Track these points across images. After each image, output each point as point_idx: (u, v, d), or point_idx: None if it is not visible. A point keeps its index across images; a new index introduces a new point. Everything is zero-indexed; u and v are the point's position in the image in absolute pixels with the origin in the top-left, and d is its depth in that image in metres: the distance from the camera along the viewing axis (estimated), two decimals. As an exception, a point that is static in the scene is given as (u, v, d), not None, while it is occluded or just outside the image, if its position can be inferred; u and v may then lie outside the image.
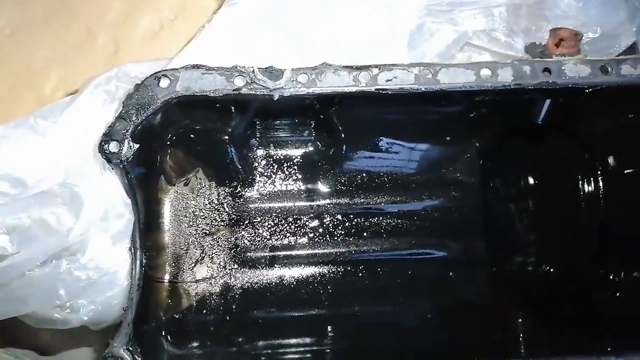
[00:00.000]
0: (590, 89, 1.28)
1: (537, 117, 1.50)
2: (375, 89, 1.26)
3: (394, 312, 1.57)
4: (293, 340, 1.49)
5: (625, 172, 1.59)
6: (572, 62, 1.29)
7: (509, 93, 1.30)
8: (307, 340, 1.50)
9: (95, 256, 1.33)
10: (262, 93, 1.24)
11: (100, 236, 1.32)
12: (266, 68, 1.24)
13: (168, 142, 1.42)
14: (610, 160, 1.62)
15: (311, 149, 1.55)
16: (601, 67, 1.27)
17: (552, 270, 1.66)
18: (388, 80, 1.26)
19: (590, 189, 1.66)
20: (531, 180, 1.69)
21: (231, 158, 1.51)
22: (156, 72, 1.22)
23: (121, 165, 1.24)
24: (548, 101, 1.44)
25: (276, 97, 1.25)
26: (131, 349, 1.21)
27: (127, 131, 1.22)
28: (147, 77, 1.21)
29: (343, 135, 1.50)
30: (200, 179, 1.52)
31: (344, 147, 1.52)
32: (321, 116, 1.45)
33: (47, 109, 1.28)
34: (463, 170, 1.61)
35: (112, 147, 1.22)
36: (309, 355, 1.49)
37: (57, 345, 1.84)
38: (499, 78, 1.27)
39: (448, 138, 1.58)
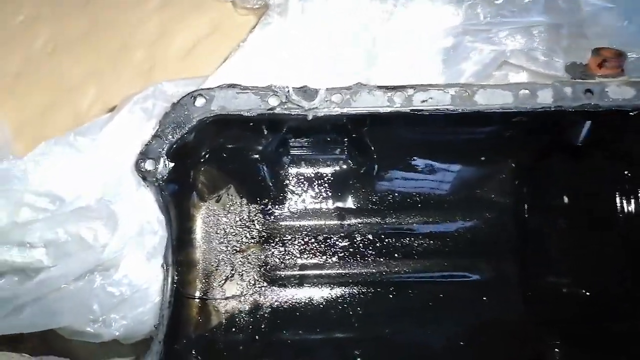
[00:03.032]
0: (635, 112, 1.24)
1: (577, 138, 1.45)
2: (410, 110, 1.25)
3: (424, 335, 1.53)
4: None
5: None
6: (616, 84, 1.25)
7: (548, 115, 1.27)
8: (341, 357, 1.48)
9: (129, 272, 1.34)
10: (296, 113, 1.24)
11: (134, 252, 1.34)
12: (300, 88, 1.24)
13: (201, 160, 1.43)
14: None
15: (343, 167, 1.54)
16: (646, 89, 1.23)
17: (587, 293, 1.60)
18: (423, 101, 1.24)
19: (630, 209, 1.61)
20: (567, 200, 1.64)
21: (263, 176, 1.51)
22: (192, 91, 1.24)
23: (156, 184, 1.25)
24: (588, 122, 1.39)
25: (310, 117, 1.24)
26: (162, 367, 1.21)
27: (162, 149, 1.23)
28: (183, 96, 1.23)
29: (375, 155, 1.48)
30: (231, 195, 1.52)
31: (376, 166, 1.51)
32: (354, 135, 1.44)
33: (86, 126, 1.31)
34: (497, 190, 1.58)
35: (148, 165, 1.24)
36: None
37: (88, 355, 1.87)
38: (539, 100, 1.25)
39: (483, 158, 1.54)
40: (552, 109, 1.25)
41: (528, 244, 1.58)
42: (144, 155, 1.23)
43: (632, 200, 1.59)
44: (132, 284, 1.34)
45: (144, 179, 1.24)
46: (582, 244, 1.60)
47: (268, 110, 1.24)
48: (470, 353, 1.50)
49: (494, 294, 1.55)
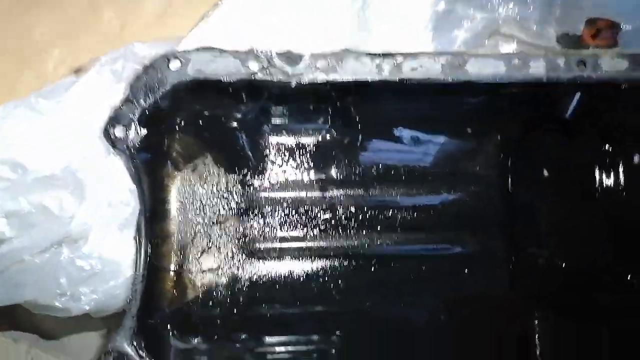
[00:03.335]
0: (628, 84, 1.20)
1: (565, 111, 1.42)
2: (399, 79, 1.18)
3: (405, 308, 1.52)
4: (301, 337, 1.44)
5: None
6: (609, 56, 1.21)
7: (539, 86, 1.22)
8: (315, 337, 1.45)
9: (99, 245, 1.27)
10: (278, 79, 1.17)
11: (104, 224, 1.26)
12: (284, 52, 1.17)
13: (176, 127, 1.35)
14: (637, 157, 1.55)
15: (326, 137, 1.48)
16: (640, 61, 1.19)
17: (572, 266, 1.60)
18: (413, 70, 1.18)
19: (610, 183, 1.60)
20: (553, 174, 1.62)
21: (241, 145, 1.44)
22: (166, 53, 1.14)
23: (127, 151, 1.17)
24: (578, 95, 1.35)
25: (293, 84, 1.17)
26: (135, 343, 1.16)
27: (134, 115, 1.15)
28: (156, 59, 1.14)
29: (359, 125, 1.42)
30: (208, 165, 1.45)
31: (360, 137, 1.45)
32: (338, 104, 1.37)
33: (49, 88, 1.21)
34: (482, 163, 1.54)
35: (118, 131, 1.15)
36: (315, 355, 1.44)
37: (58, 329, 1.81)
38: (531, 70, 1.20)
39: (469, 130, 1.50)
40: (545, 80, 1.20)
41: (514, 218, 1.56)
42: (113, 120, 1.15)
43: (613, 175, 1.58)
44: (102, 257, 1.27)
45: (114, 146, 1.15)
46: (568, 217, 1.59)
47: (248, 75, 1.16)
48: (452, 327, 1.49)
49: (479, 267, 1.53)
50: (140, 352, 1.14)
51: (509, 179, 1.56)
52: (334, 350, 1.46)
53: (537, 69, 1.20)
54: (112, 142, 1.15)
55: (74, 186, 1.20)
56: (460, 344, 1.48)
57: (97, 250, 1.27)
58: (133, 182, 1.26)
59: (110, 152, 1.22)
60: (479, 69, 1.19)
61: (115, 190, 1.26)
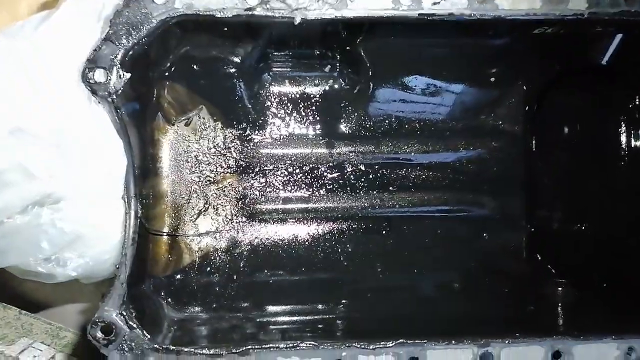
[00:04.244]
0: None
1: (602, 56, 1.27)
2: (419, 14, 1.03)
3: (417, 276, 1.40)
4: (305, 307, 1.33)
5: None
6: (662, -13, 1.05)
7: (578, 24, 1.07)
8: (321, 306, 1.34)
9: (84, 206, 1.14)
10: (280, 15, 1.01)
11: (88, 182, 1.13)
12: (286, -18, 1.01)
13: (166, 74, 1.21)
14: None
15: (333, 87, 1.34)
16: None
17: (593, 232, 1.48)
18: (435, 4, 1.03)
19: (638, 144, 1.46)
20: (578, 132, 1.48)
21: (240, 95, 1.30)
22: (151, -17, 0.99)
23: (109, 99, 1.03)
24: (619, 36, 1.20)
25: (298, 21, 1.02)
26: (125, 313, 1.05)
27: (115, 57, 1.00)
28: (139, -10, 0.98)
29: (371, 72, 1.28)
30: (203, 118, 1.31)
31: (371, 85, 1.31)
32: (347, 47, 1.22)
33: (18, 25, 1.06)
34: (505, 117, 1.41)
35: (98, 76, 1.01)
36: (320, 326, 1.34)
37: (49, 295, 1.71)
38: (570, 5, 1.04)
39: (492, 79, 1.36)
40: (585, 17, 1.05)
41: (536, 178, 1.43)
42: (92, 63, 1.00)
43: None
44: (88, 219, 1.15)
45: (94, 92, 1.01)
46: (593, 179, 1.46)
47: (246, 10, 1.00)
48: (466, 296, 1.38)
49: (496, 231, 1.42)
50: (131, 322, 1.03)
51: (533, 136, 1.43)
52: (339, 321, 1.35)
53: (578, 3, 1.04)
54: (92, 88, 1.01)
55: (52, 139, 1.07)
56: (474, 314, 1.37)
57: (82, 212, 1.14)
58: (119, 136, 1.13)
59: (92, 101, 1.08)
60: (512, 4, 1.04)
61: (101, 146, 1.12)
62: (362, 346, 1.01)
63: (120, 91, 1.01)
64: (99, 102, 1.05)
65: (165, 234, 1.29)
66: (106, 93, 1.01)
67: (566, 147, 1.47)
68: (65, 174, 1.10)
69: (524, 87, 1.39)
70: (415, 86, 1.34)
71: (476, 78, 1.35)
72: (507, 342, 1.04)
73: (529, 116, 1.41)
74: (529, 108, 1.41)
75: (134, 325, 1.03)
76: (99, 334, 1.01)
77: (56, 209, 1.12)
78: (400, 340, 1.02)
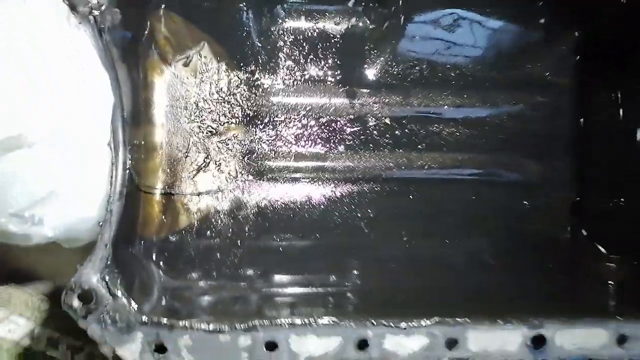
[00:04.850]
0: None
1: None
2: None
3: (447, 248, 1.23)
4: (316, 277, 1.16)
5: None
6: None
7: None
8: (335, 277, 1.17)
9: (61, 150, 0.97)
10: None
11: (67, 123, 0.95)
12: None
13: (162, 2, 1.02)
14: None
15: (357, 24, 1.15)
16: None
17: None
18: None
19: None
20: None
21: (248, 31, 1.12)
22: None
23: (91, 16, 0.85)
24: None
25: None
26: (108, 278, 0.88)
27: (98, -36, 0.82)
28: None
29: (401, 2, 1.09)
30: (205, 57, 1.13)
31: (402, 22, 1.12)
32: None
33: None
34: (554, 68, 1.23)
35: (77, -15, 0.83)
36: (333, 299, 1.16)
37: (32, 263, 1.55)
38: None
39: (542, 21, 1.17)
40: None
41: (586, 141, 1.25)
42: (70, -30, 0.82)
43: None
44: (68, 166, 0.97)
45: (73, 7, 0.83)
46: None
47: None
48: (504, 270, 1.21)
49: (538, 198, 1.24)
50: (115, 288, 0.86)
51: (585, 92, 1.24)
52: (356, 294, 1.18)
53: None
54: (70, 1, 0.82)
55: (20, 65, 0.88)
56: (513, 290, 1.20)
57: (60, 158, 0.96)
58: (105, 68, 0.94)
59: (71, 23, 0.90)
60: None
61: (82, 79, 0.94)
62: (392, 324, 0.84)
63: (104, 7, 0.83)
64: (80, 23, 0.87)
65: (159, 191, 1.11)
66: (87, 8, 0.83)
67: (624, 108, 1.28)
68: (38, 106, 0.92)
69: (577, 33, 1.20)
70: (453, 24, 1.15)
71: (524, 19, 1.17)
72: (562, 323, 0.87)
73: (582, 67, 1.22)
74: (581, 58, 1.22)
75: (119, 293, 0.86)
76: (76, 303, 0.84)
77: (27, 156, 0.94)
78: (437, 319, 0.85)
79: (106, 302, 0.85)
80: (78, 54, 0.92)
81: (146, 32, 1.04)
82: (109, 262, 0.89)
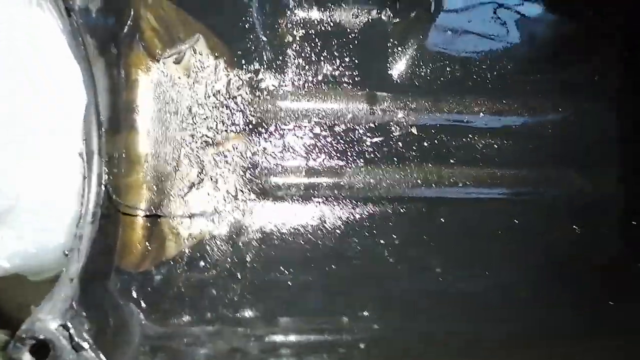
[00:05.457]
0: None
1: None
2: None
3: (483, 279, 1.05)
4: (328, 320, 0.96)
5: None
6: None
7: None
8: (354, 317, 0.97)
9: (20, 157, 0.78)
10: None
11: (28, 124, 0.77)
12: None
13: (149, -17, 0.85)
14: None
15: (379, 16, 0.99)
16: None
17: None
18: None
19: None
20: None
21: (252, 22, 0.94)
22: None
23: (58, -7, 0.67)
24: None
25: None
26: (72, 324, 0.68)
27: None
28: None
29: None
30: (200, 54, 0.95)
31: (431, 10, 0.96)
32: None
33: None
34: (604, 69, 1.06)
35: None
36: (342, 350, 0.96)
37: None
38: None
39: (591, 12, 1.01)
40: None
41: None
42: None
43: None
44: (28, 180, 0.78)
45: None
46: None
47: None
48: (546, 300, 1.02)
49: (586, 219, 1.06)
50: (79, 338, 0.66)
51: (636, 95, 1.08)
52: (362, 344, 0.97)
53: None
54: (28, -32, 0.65)
55: (22, 63, 0.70)
56: (556, 320, 1.01)
57: (19, 169, 0.77)
58: (75, 59, 0.76)
59: (32, 1, 0.72)
60: None
61: (46, 71, 0.76)
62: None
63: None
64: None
65: (142, 213, 0.92)
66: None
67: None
68: (39, 114, 0.74)
69: (629, 30, 1.05)
70: (492, 17, 0.99)
71: (571, 10, 1.01)
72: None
73: (632, 67, 1.06)
74: (630, 56, 1.06)
75: (85, 345, 0.66)
76: (26, 358, 0.64)
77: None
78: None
79: (67, 357, 0.65)
80: (39, 39, 0.74)
81: (129, 19, 0.86)
82: (74, 303, 0.69)
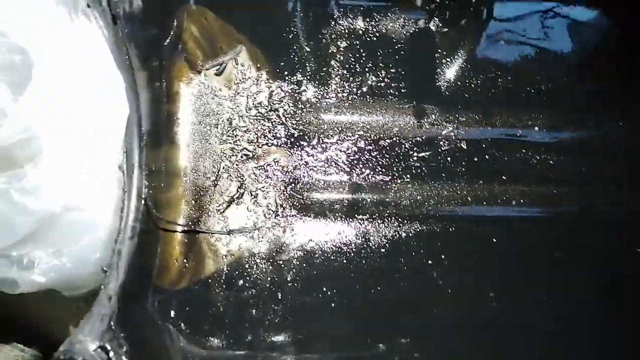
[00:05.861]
0: None
1: None
2: None
3: (539, 304, 0.96)
4: (368, 344, 0.90)
5: None
6: None
7: None
8: (401, 340, 0.91)
9: (58, 174, 0.76)
10: None
11: (68, 137, 0.75)
12: None
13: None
14: None
15: (427, 24, 0.94)
16: None
17: None
18: None
19: None
20: None
21: (295, 32, 0.91)
22: None
23: (107, 2, 0.66)
24: None
25: None
26: (110, 346, 0.64)
27: None
28: None
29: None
30: (242, 65, 0.93)
31: (485, 13, 0.91)
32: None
33: None
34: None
35: (86, -42, 0.64)
36: None
37: (25, 311, 1.32)
38: None
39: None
40: None
41: None
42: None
43: None
44: (65, 194, 0.76)
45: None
46: None
47: None
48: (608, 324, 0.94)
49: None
50: (117, 360, 0.63)
51: None
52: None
53: None
54: (75, -24, 0.64)
55: (10, 68, 0.69)
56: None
57: (56, 182, 0.76)
58: (119, 70, 0.75)
59: (79, 10, 0.70)
60: None
61: (89, 79, 0.74)
62: None
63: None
64: (88, 6, 0.67)
65: (181, 228, 0.89)
66: (98, -12, 0.64)
67: None
68: (29, 120, 0.72)
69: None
70: (545, 25, 0.93)
71: (634, 17, 0.94)
72: None
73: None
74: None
75: (123, 367, 0.63)
76: (63, 380, 0.61)
77: (15, 177, 0.73)
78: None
79: (104, 380, 0.62)
80: (84, 49, 0.73)
81: (172, 30, 0.85)
82: (112, 323, 0.66)
